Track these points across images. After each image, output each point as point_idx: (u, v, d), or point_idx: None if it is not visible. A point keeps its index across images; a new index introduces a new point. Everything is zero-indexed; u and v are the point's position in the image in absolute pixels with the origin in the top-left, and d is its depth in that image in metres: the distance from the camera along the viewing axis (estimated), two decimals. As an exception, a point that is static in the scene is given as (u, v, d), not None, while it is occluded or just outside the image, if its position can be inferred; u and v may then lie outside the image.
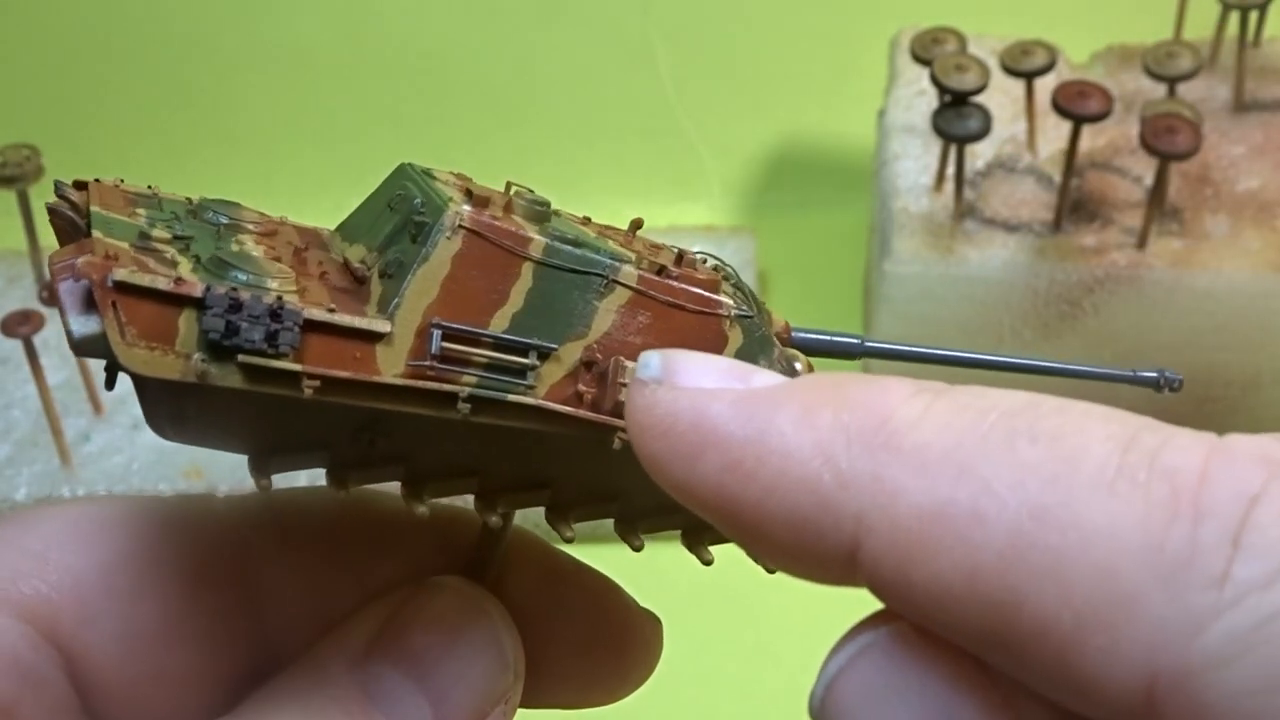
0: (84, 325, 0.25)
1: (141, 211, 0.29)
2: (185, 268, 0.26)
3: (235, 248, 0.28)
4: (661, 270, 0.28)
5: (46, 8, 0.93)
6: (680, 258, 0.29)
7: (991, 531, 0.21)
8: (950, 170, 0.70)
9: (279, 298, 0.26)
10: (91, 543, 0.29)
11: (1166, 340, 0.69)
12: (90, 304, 0.25)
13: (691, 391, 0.24)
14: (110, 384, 0.28)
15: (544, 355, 0.27)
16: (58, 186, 0.28)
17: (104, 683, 0.29)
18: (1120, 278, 0.67)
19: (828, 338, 0.31)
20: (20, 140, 0.66)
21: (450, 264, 0.27)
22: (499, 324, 0.27)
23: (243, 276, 0.26)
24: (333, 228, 0.31)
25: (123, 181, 0.31)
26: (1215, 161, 0.72)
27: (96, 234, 0.27)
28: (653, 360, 0.25)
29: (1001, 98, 0.73)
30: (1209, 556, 0.20)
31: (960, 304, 0.69)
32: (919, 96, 0.76)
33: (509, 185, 0.31)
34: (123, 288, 0.25)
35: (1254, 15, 0.74)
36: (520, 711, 0.34)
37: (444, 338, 0.27)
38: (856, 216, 0.83)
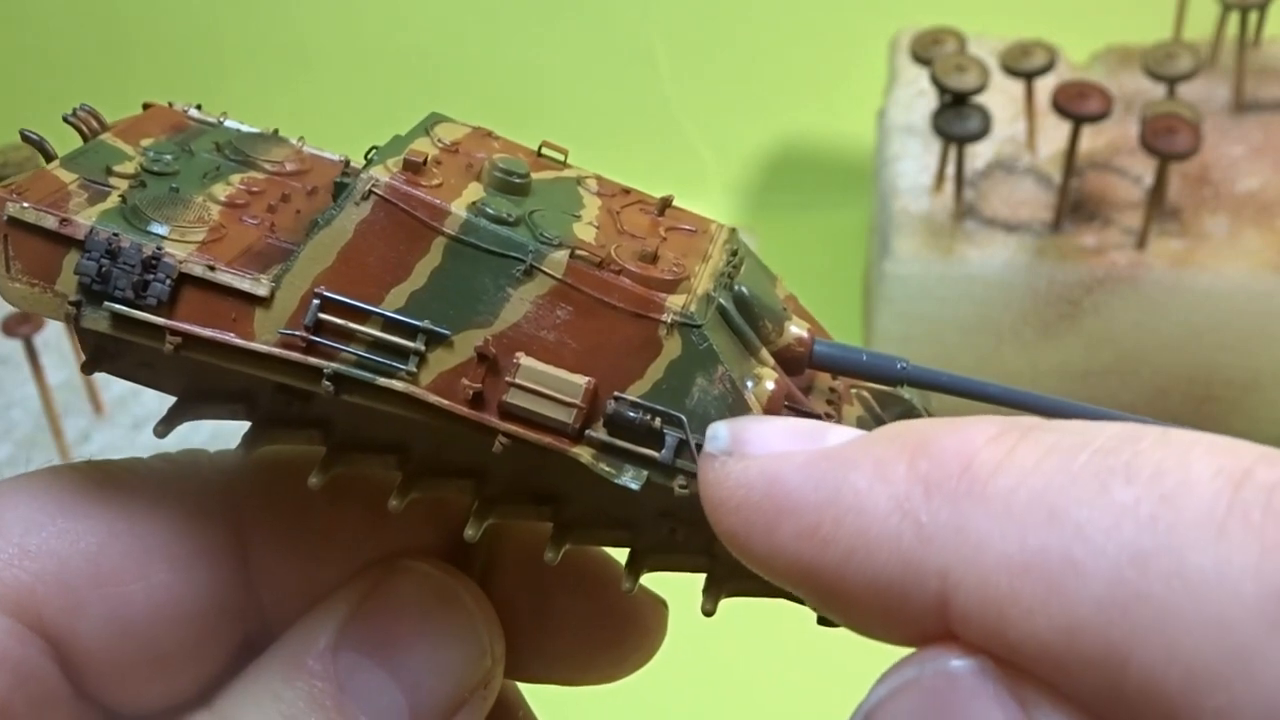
0: None
1: (148, 142, 0.29)
2: (97, 210, 0.26)
3: (194, 193, 0.28)
4: (603, 263, 0.25)
5: (46, 7, 0.93)
6: (655, 255, 0.26)
7: (1088, 582, 0.19)
8: (950, 170, 0.70)
9: (158, 248, 0.25)
10: (74, 523, 0.28)
11: (1166, 340, 0.69)
12: None
13: (762, 459, 0.22)
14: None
15: (435, 340, 0.25)
16: (82, 107, 0.29)
17: (96, 668, 0.28)
18: (1120, 278, 0.67)
19: (860, 357, 0.27)
20: (20, 140, 0.66)
21: (353, 231, 0.25)
22: (394, 301, 0.25)
23: (159, 227, 0.26)
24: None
25: (199, 108, 0.31)
26: (1215, 161, 0.72)
27: (54, 164, 0.27)
28: (720, 431, 0.23)
29: (1001, 98, 0.73)
30: None
31: (960, 304, 0.69)
32: (919, 96, 0.76)
33: (541, 146, 0.30)
34: (15, 223, 0.26)
35: (1254, 15, 0.74)
36: (524, 686, 0.34)
37: (323, 308, 0.25)
38: (856, 216, 0.83)
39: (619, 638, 0.32)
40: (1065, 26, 0.77)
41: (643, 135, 0.92)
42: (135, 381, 0.28)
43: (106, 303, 0.26)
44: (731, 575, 0.27)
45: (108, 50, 0.93)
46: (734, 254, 0.29)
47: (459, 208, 0.25)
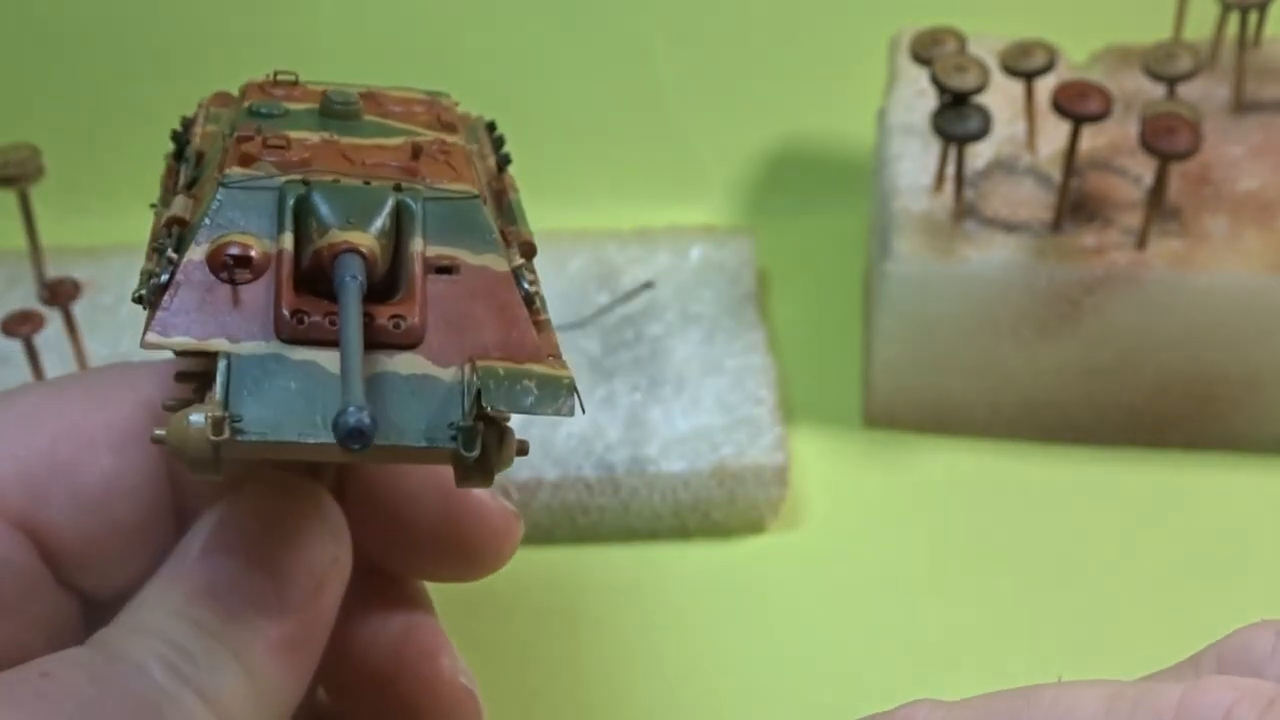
0: None
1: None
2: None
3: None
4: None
5: (46, 7, 0.93)
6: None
7: None
8: (950, 170, 0.70)
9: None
10: (25, 429, 0.33)
11: (1166, 340, 0.69)
12: None
13: None
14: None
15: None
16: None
17: (68, 549, 0.33)
18: (1120, 278, 0.67)
19: None
20: (20, 140, 0.66)
21: None
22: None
23: None
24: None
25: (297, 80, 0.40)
26: (1215, 161, 0.72)
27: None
28: None
29: (1001, 98, 0.73)
30: None
31: (960, 304, 0.69)
32: (919, 96, 0.76)
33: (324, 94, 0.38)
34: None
35: (1254, 15, 0.74)
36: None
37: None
38: (856, 216, 0.83)
39: (469, 539, 0.38)
40: (1065, 26, 0.77)
41: (642, 135, 0.92)
42: None
43: None
44: None
45: (111, 51, 0.93)
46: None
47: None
